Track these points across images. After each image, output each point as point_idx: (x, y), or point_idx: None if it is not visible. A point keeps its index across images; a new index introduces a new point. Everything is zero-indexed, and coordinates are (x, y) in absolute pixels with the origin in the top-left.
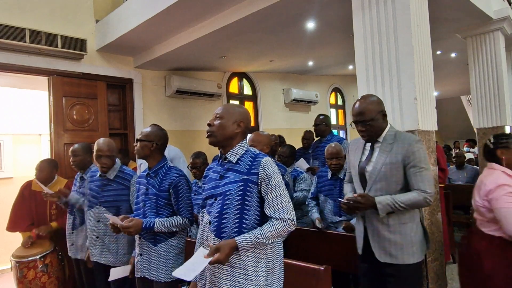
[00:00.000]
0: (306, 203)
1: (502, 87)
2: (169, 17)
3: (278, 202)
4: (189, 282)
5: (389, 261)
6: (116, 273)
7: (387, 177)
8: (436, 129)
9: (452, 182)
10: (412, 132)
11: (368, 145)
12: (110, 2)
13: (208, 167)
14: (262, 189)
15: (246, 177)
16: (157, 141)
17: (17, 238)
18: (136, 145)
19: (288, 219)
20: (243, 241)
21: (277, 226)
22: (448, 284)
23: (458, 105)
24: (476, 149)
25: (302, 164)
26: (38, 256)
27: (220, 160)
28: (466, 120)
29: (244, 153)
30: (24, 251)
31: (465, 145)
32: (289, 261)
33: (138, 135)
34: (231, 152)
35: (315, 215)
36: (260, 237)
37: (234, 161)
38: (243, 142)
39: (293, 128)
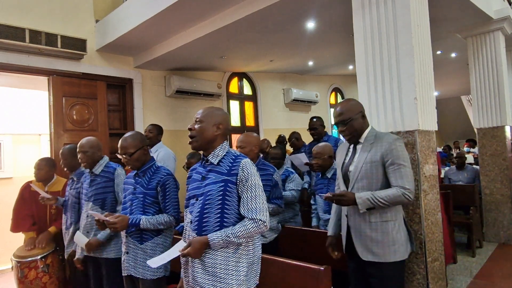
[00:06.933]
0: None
1: (502, 87)
2: (169, 17)
3: (252, 203)
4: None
5: (372, 259)
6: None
7: (368, 175)
8: (436, 129)
9: (453, 182)
10: (412, 132)
11: (352, 146)
12: (110, 2)
13: (191, 168)
14: (239, 188)
15: (226, 178)
16: (138, 147)
17: (18, 238)
18: (124, 158)
19: (260, 220)
20: (215, 239)
21: (248, 226)
22: (448, 284)
23: (458, 105)
24: (476, 149)
25: (301, 157)
26: (39, 256)
27: (203, 162)
28: (466, 120)
29: (225, 155)
30: (25, 251)
31: (465, 145)
32: (289, 261)
33: (119, 150)
34: (213, 154)
35: (313, 222)
36: (230, 236)
37: (215, 163)
38: (224, 144)
39: (293, 128)
